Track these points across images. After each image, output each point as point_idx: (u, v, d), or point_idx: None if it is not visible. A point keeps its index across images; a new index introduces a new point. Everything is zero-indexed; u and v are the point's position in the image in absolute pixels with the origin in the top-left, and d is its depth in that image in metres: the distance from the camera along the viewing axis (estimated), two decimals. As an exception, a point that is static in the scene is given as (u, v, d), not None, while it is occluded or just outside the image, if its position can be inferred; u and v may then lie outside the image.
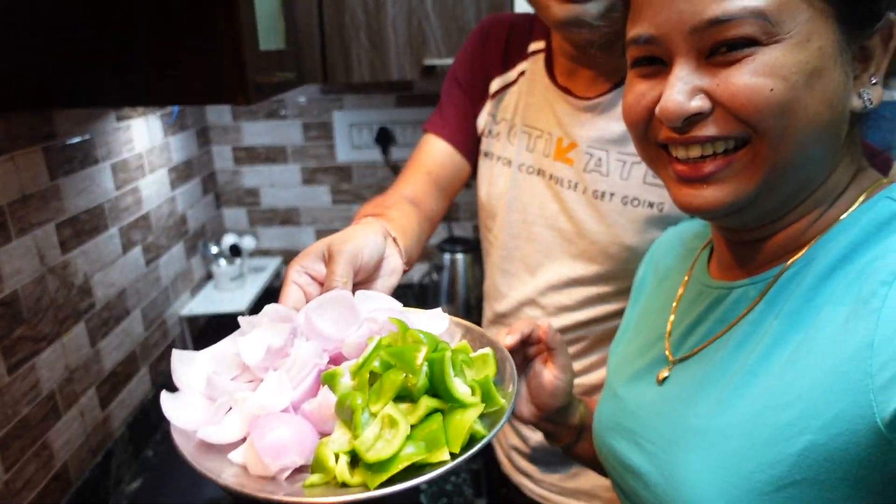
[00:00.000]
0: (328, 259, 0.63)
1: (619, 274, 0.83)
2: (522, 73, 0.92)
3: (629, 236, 0.81)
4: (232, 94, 0.92)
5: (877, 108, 0.48)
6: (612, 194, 0.82)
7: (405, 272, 0.72)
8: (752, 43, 0.44)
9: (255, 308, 1.75)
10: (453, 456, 0.45)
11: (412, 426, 0.45)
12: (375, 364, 0.48)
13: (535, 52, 0.91)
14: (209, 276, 1.64)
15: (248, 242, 1.63)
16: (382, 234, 0.69)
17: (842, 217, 0.49)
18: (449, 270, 1.66)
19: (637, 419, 0.60)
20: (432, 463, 0.44)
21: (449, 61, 1.26)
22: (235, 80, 0.90)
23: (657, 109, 0.48)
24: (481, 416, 0.47)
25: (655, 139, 0.51)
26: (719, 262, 0.59)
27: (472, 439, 0.46)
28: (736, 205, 0.48)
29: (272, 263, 1.75)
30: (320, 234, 1.81)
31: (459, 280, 1.66)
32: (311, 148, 1.74)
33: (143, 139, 1.33)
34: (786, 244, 0.52)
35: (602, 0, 0.73)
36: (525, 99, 0.91)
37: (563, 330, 0.89)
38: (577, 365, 0.91)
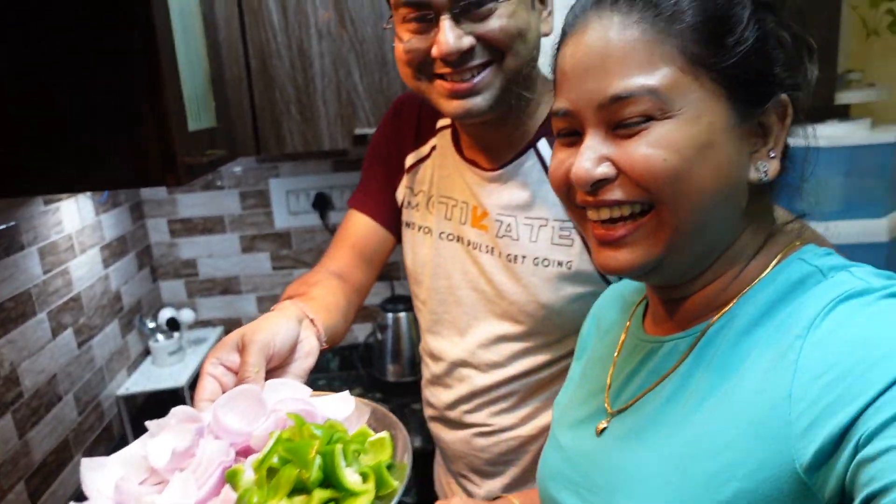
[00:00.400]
0: (241, 349, 0.65)
1: (541, 329, 0.87)
2: (434, 148, 0.98)
3: (543, 295, 0.85)
4: (161, 177, 0.93)
5: (773, 179, 0.52)
6: (523, 257, 0.86)
7: (329, 347, 0.76)
8: (649, 118, 0.49)
9: (197, 381, 1.72)
10: None
11: None
12: (274, 460, 0.50)
13: (442, 128, 0.97)
14: (147, 353, 1.60)
15: (186, 315, 1.61)
16: (297, 318, 0.73)
17: (760, 276, 0.53)
18: (392, 329, 1.67)
19: (578, 469, 0.62)
20: None
21: (378, 130, 1.32)
22: (164, 162, 0.92)
23: (571, 174, 0.53)
24: (379, 499, 0.51)
25: (575, 202, 0.56)
26: (653, 316, 0.62)
27: None
28: (647, 266, 0.53)
29: (213, 334, 1.73)
30: (261, 301, 1.80)
31: (403, 338, 1.68)
32: (248, 216, 1.75)
33: (73, 220, 1.31)
34: (709, 301, 0.55)
35: (488, 92, 0.78)
36: (439, 171, 0.96)
37: (496, 385, 0.92)
38: (512, 418, 0.94)
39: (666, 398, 0.55)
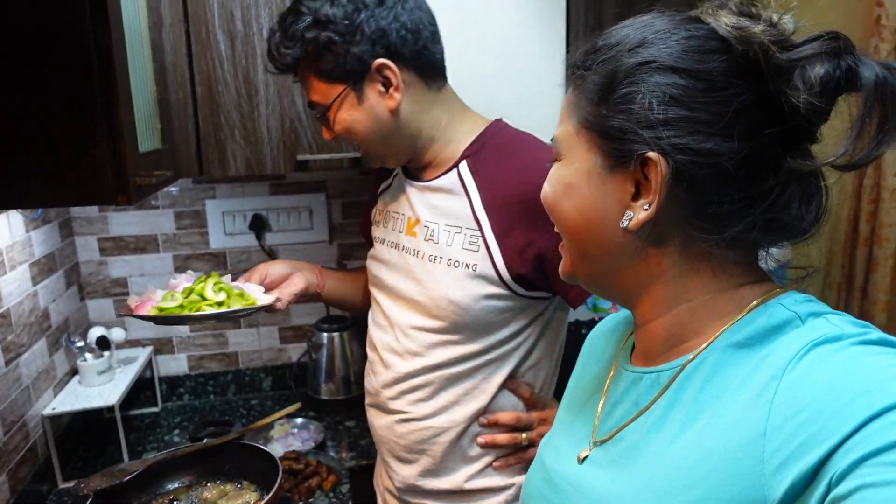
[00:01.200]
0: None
1: (452, 325, 1.02)
2: (396, 175, 1.16)
3: (452, 292, 1.00)
4: (112, 196, 0.96)
5: (634, 229, 0.55)
6: (440, 258, 1.02)
7: (331, 302, 1.36)
8: (556, 159, 0.62)
9: (127, 398, 1.69)
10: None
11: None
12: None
13: None
14: (74, 372, 1.57)
15: (117, 334, 1.59)
16: (299, 268, 1.24)
17: (739, 317, 0.55)
18: (327, 348, 1.72)
19: (560, 493, 0.64)
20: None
21: (321, 156, 1.38)
22: (116, 182, 0.95)
23: None
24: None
25: None
26: (638, 348, 0.64)
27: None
28: (570, 275, 0.64)
29: (143, 354, 1.71)
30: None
31: (337, 356, 1.73)
32: (183, 236, 1.76)
33: (3, 235, 1.30)
34: (671, 335, 0.58)
35: (377, 159, 1.09)
36: (393, 191, 1.14)
37: (414, 373, 1.07)
38: (427, 407, 1.07)
39: (646, 430, 0.57)
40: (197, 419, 1.70)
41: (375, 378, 1.14)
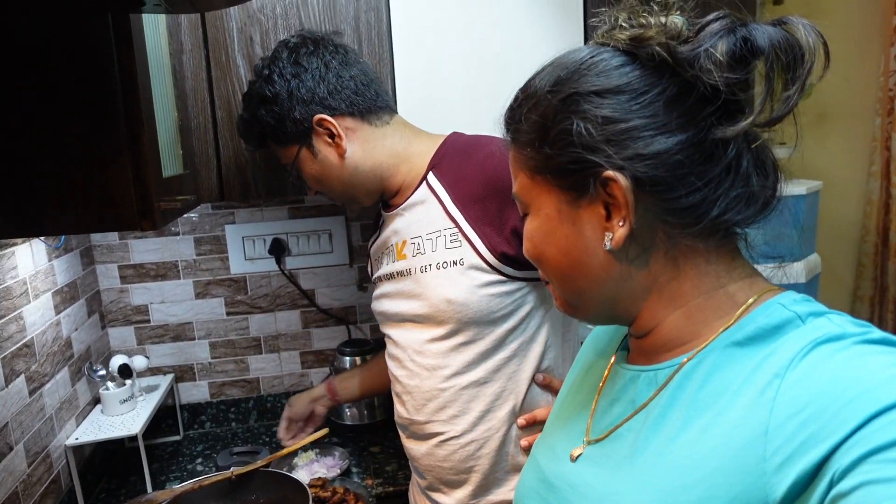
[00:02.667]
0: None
1: (458, 326, 1.05)
2: (382, 222, 1.22)
3: (448, 291, 1.04)
4: (137, 222, 0.95)
5: (617, 246, 0.56)
6: (430, 265, 1.07)
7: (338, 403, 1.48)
8: (525, 215, 0.64)
9: (149, 427, 1.67)
10: None
11: None
12: None
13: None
14: (96, 401, 1.56)
15: (139, 362, 1.58)
16: (315, 398, 1.46)
17: (737, 315, 0.55)
18: (349, 373, 1.69)
19: (555, 492, 0.64)
20: None
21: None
22: (141, 208, 0.94)
23: None
24: None
25: None
26: (634, 348, 0.65)
27: None
28: (572, 314, 0.65)
29: (164, 381, 1.70)
30: (214, 346, 1.79)
31: (359, 381, 1.70)
32: (203, 262, 1.76)
33: (27, 264, 1.30)
34: (671, 339, 0.59)
35: (351, 205, 1.21)
36: (381, 235, 1.21)
37: (438, 390, 1.08)
38: (462, 423, 1.07)
39: (644, 429, 0.57)
40: (220, 447, 1.68)
41: (404, 409, 1.14)
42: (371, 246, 1.26)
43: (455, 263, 1.04)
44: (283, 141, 1.12)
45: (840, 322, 0.51)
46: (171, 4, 0.97)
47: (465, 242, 1.04)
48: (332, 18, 1.33)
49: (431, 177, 1.10)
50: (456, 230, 1.05)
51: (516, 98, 0.62)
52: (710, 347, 0.56)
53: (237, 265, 1.77)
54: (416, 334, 1.10)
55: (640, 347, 0.63)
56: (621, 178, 0.54)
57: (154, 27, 1.11)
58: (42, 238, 1.37)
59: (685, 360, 0.57)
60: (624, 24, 0.57)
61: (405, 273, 1.11)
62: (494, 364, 1.05)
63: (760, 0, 1.91)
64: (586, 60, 0.57)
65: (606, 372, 0.68)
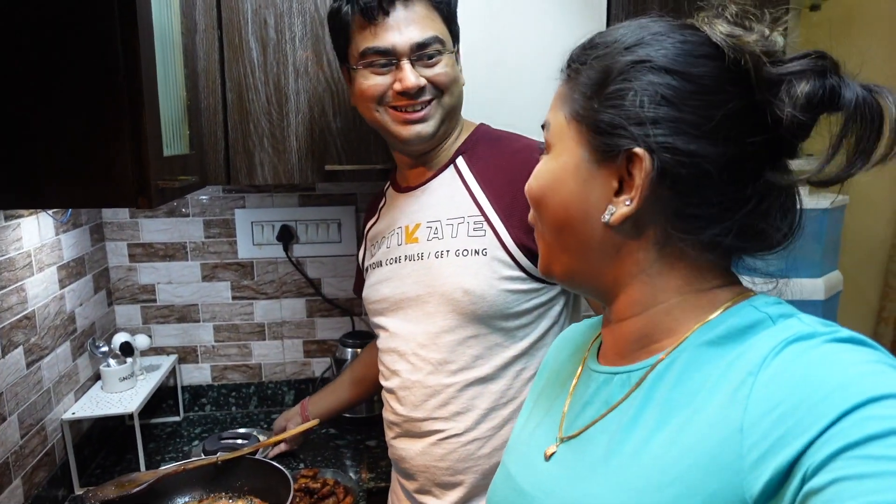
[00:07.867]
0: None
1: (471, 318, 1.01)
2: (383, 204, 1.19)
3: (466, 281, 1.00)
4: (133, 198, 0.95)
5: (617, 225, 0.56)
6: (447, 251, 1.03)
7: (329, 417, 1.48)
8: (544, 150, 0.63)
9: (149, 407, 1.68)
10: None
11: None
12: None
13: (387, 187, 1.22)
14: (97, 378, 1.57)
15: (141, 341, 1.58)
16: (289, 418, 1.47)
17: (709, 317, 0.56)
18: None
19: (527, 498, 0.63)
20: None
21: (349, 167, 1.36)
22: (138, 184, 0.93)
23: None
24: None
25: None
26: (605, 349, 0.65)
27: None
28: (547, 267, 0.64)
29: (166, 362, 1.70)
30: (218, 330, 1.79)
31: (361, 374, 1.68)
32: (211, 244, 1.76)
33: (32, 237, 1.30)
34: (645, 335, 0.59)
35: (432, 121, 1.04)
36: (383, 216, 1.15)
37: (444, 385, 1.03)
38: (466, 420, 1.03)
39: (619, 430, 0.57)
40: (218, 430, 1.68)
41: (400, 405, 1.09)
42: (368, 230, 1.21)
43: (477, 252, 1.01)
44: (453, 31, 1.08)
45: (810, 322, 0.52)
46: (178, -20, 0.95)
47: (490, 232, 1.01)
48: (348, 4, 1.31)
49: (461, 161, 1.08)
50: (481, 218, 1.02)
51: (591, 40, 0.60)
52: (682, 347, 0.56)
53: (245, 250, 1.77)
54: (422, 325, 1.05)
55: (613, 340, 0.63)
56: (647, 161, 0.53)
57: (165, 4, 1.10)
58: (49, 212, 1.37)
59: (657, 360, 0.57)
60: (729, 18, 0.55)
61: (415, 257, 1.07)
62: (502, 361, 1.02)
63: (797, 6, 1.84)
64: (674, 35, 0.56)
65: (577, 375, 0.67)
